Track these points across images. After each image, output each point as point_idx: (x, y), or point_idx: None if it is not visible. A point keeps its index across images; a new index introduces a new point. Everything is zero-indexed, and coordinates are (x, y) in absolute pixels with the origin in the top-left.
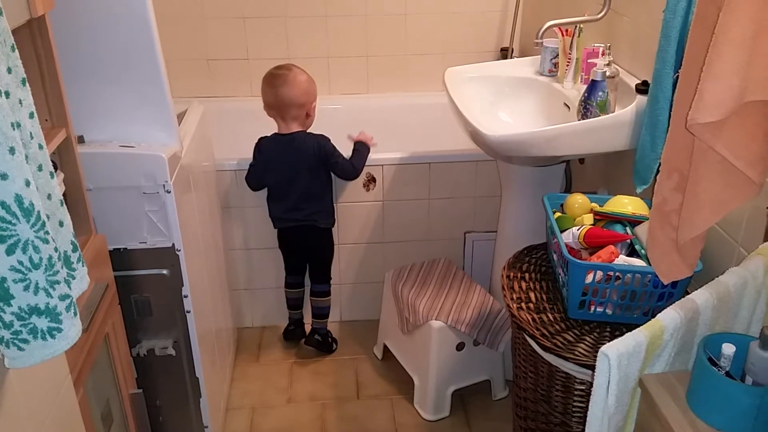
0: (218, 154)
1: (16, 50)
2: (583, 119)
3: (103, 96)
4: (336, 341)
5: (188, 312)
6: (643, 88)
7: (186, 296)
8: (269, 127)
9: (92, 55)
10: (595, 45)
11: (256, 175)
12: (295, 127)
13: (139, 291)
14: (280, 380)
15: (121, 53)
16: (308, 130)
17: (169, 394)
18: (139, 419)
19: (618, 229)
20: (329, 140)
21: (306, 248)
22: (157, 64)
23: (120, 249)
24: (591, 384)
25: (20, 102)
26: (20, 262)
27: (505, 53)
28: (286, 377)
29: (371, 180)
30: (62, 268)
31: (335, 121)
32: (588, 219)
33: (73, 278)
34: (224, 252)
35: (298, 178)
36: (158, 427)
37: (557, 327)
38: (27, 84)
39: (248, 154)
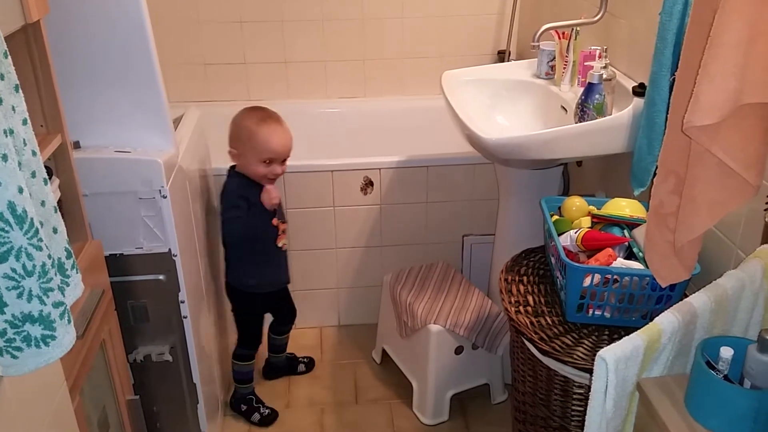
0: (215, 159)
1: (9, 56)
2: (580, 122)
3: (98, 101)
4: (258, 414)
5: (185, 317)
6: (639, 91)
7: (183, 302)
8: None
9: (88, 60)
10: (592, 48)
11: None
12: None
13: (136, 297)
14: (278, 385)
15: (116, 58)
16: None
17: (166, 400)
18: (136, 426)
19: (616, 232)
20: (232, 193)
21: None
22: (153, 69)
23: (116, 254)
24: (590, 388)
25: (13, 108)
26: (13, 270)
27: (502, 56)
28: (284, 382)
29: (369, 184)
30: (56, 275)
31: (332, 125)
32: (586, 222)
33: (67, 285)
34: (222, 257)
35: None
36: None
37: (555, 330)
38: (20, 90)
39: None
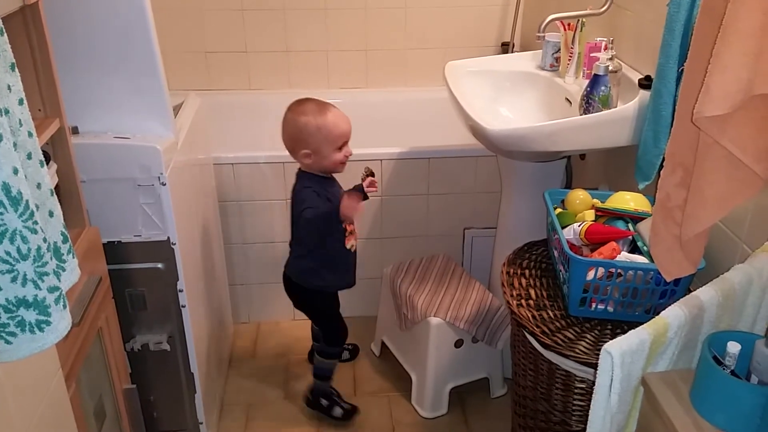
0: (216, 148)
1: (5, 34)
2: (585, 114)
3: (98, 86)
4: (340, 408)
5: (183, 306)
6: (645, 83)
7: (181, 290)
8: (267, 121)
9: (87, 45)
10: (598, 39)
11: None
12: (300, 165)
13: (134, 285)
14: (276, 376)
15: (117, 43)
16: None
17: (163, 390)
18: (133, 415)
19: (620, 225)
20: (305, 190)
21: (292, 298)
22: (154, 55)
23: (114, 242)
24: (591, 382)
25: (9, 88)
26: (7, 253)
27: (505, 48)
28: (282, 373)
29: (370, 175)
30: (51, 259)
31: None
32: (589, 215)
33: (63, 270)
34: (221, 246)
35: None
36: (152, 423)
37: (558, 324)
38: (16, 69)
39: (246, 148)
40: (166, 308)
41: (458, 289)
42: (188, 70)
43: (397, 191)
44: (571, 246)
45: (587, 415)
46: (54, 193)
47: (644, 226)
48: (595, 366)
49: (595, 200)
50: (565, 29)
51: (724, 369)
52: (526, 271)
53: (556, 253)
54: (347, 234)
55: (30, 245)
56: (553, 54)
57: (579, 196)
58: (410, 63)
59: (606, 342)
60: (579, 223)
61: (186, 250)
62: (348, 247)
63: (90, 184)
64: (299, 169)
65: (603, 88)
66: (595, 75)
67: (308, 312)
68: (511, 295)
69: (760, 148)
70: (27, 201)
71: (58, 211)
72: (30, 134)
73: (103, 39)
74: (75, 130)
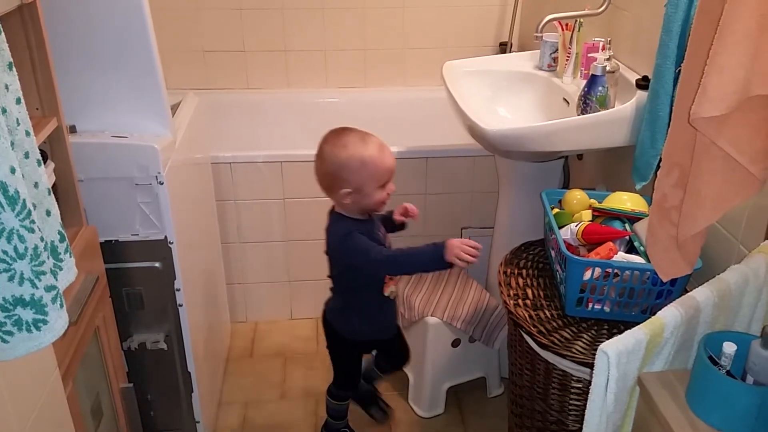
0: (214, 147)
1: (2, 33)
2: (583, 114)
3: (95, 85)
4: None
5: (180, 305)
6: (643, 84)
7: (178, 289)
8: (265, 120)
9: (86, 44)
10: (596, 39)
11: None
12: (335, 204)
13: (131, 284)
14: (273, 375)
15: (115, 42)
16: (354, 215)
17: (160, 389)
18: (130, 414)
19: (617, 225)
20: (352, 234)
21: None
22: (152, 54)
23: (111, 241)
24: (588, 382)
25: (6, 87)
26: (4, 252)
27: (503, 48)
28: (279, 372)
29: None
30: (48, 258)
31: (331, 115)
32: (586, 215)
33: (60, 269)
34: (219, 246)
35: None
36: (149, 422)
37: (554, 324)
38: (14, 69)
39: (244, 147)
40: (163, 307)
41: (455, 288)
42: (186, 69)
43: (394, 191)
44: (568, 246)
45: (584, 415)
46: (51, 192)
47: (641, 227)
48: (591, 366)
49: (592, 200)
50: (563, 29)
51: (719, 369)
52: (524, 271)
53: (553, 253)
54: (387, 280)
55: (27, 244)
56: (550, 54)
57: (576, 196)
58: (408, 63)
59: (602, 342)
60: (576, 223)
61: (183, 249)
62: (387, 293)
63: (87, 183)
64: (333, 209)
65: (600, 88)
66: (593, 75)
67: (329, 350)
68: (508, 295)
69: (757, 149)
70: (24, 200)
71: (55, 210)
72: (27, 133)
73: (101, 38)
74: (72, 129)
